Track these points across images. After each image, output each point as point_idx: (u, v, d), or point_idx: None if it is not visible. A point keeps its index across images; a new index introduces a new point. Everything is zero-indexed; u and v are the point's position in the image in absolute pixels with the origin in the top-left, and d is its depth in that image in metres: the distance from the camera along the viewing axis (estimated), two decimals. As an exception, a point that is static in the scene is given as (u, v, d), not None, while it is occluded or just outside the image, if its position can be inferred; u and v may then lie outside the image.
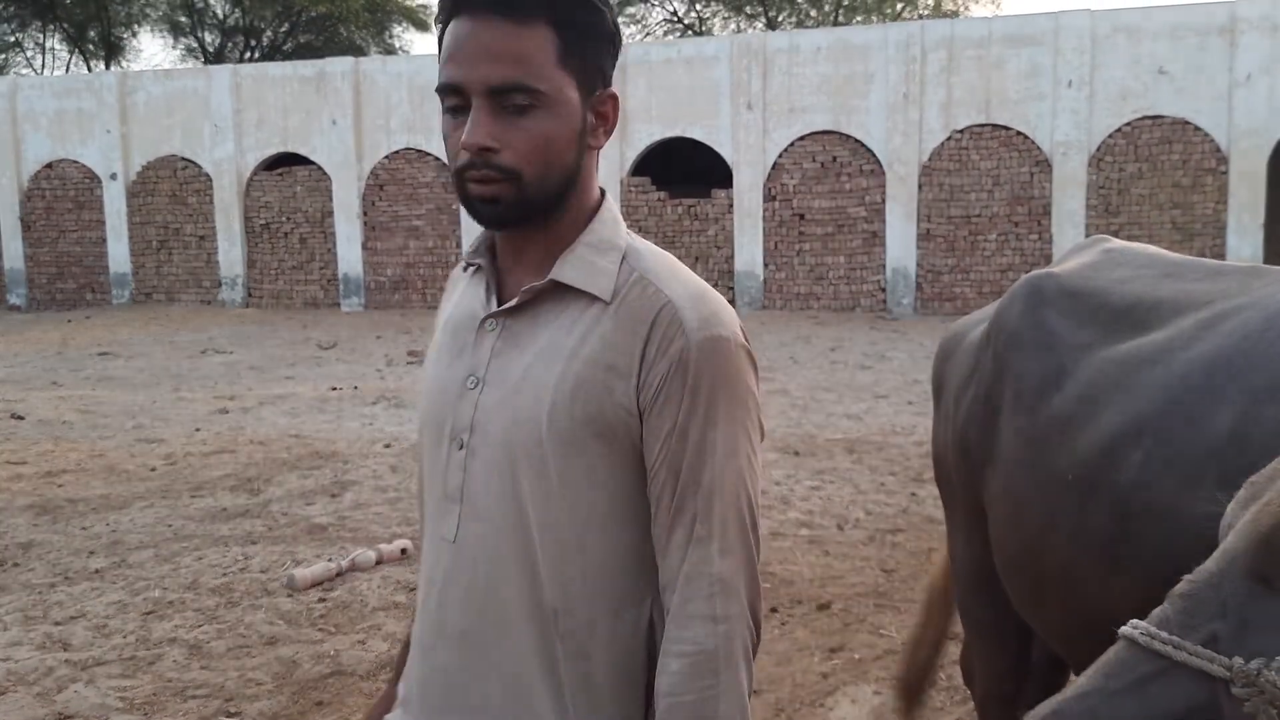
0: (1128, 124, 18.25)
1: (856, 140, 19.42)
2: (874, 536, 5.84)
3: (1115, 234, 17.36)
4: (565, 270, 1.25)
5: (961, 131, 18.98)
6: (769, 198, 19.70)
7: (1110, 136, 18.36)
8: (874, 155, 19.35)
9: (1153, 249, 2.58)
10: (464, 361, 1.29)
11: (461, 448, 1.26)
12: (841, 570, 5.26)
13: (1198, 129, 17.98)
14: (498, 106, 1.18)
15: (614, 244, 1.27)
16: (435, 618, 1.29)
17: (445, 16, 1.22)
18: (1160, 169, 18.21)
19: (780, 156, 19.59)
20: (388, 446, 8.36)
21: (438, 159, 21.08)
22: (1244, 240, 17.59)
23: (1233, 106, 17.70)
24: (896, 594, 4.88)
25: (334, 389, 11.51)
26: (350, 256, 21.51)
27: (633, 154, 20.19)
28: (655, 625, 1.25)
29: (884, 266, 19.50)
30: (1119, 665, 1.23)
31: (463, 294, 1.37)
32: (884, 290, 19.49)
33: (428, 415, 1.33)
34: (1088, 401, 2.11)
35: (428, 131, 21.03)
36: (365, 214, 21.45)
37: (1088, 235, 16.82)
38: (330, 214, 21.53)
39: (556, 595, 1.22)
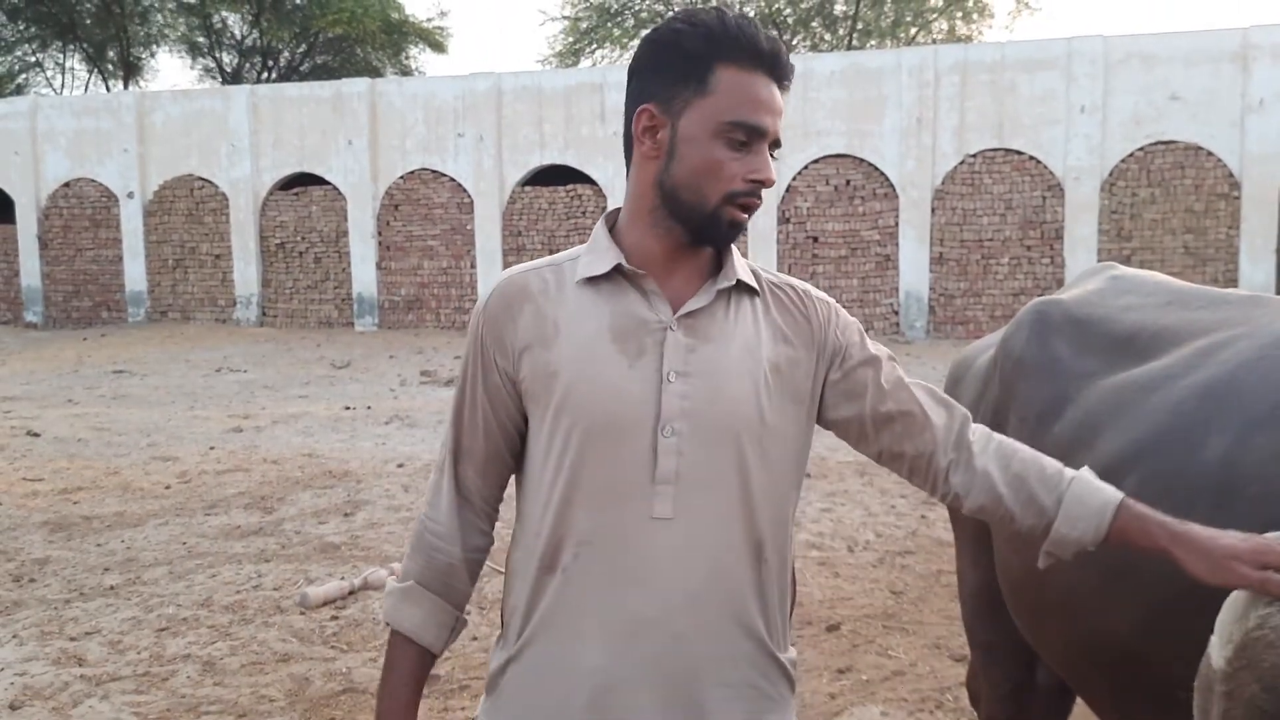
0: (1140, 149, 18.27)
1: (870, 164, 19.49)
2: (884, 559, 5.85)
3: (1127, 259, 17.38)
4: (736, 274, 1.51)
5: (974, 156, 19.03)
6: (783, 220, 19.77)
7: (1123, 161, 18.37)
8: (887, 179, 19.41)
9: (1159, 276, 2.61)
10: (650, 360, 1.45)
11: (671, 434, 1.43)
12: (851, 592, 5.27)
13: (1210, 154, 17.98)
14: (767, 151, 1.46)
15: (738, 255, 1.54)
16: (659, 591, 1.44)
17: (727, 57, 1.43)
18: (1173, 194, 18.20)
19: (794, 179, 19.66)
20: (400, 466, 8.40)
21: (453, 180, 21.22)
22: (1257, 266, 17.56)
23: (1245, 132, 17.71)
24: (905, 616, 4.89)
25: (347, 408, 11.58)
26: (364, 276, 21.64)
27: (646, 176, 20.25)
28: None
29: (897, 290, 19.52)
30: None
31: (597, 304, 1.48)
32: (897, 313, 19.50)
33: (607, 415, 1.44)
34: (1088, 428, 2.15)
35: (443, 152, 21.20)
36: (380, 234, 21.59)
37: (1100, 260, 16.84)
38: (345, 234, 21.67)
39: (767, 531, 1.50)
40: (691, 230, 1.46)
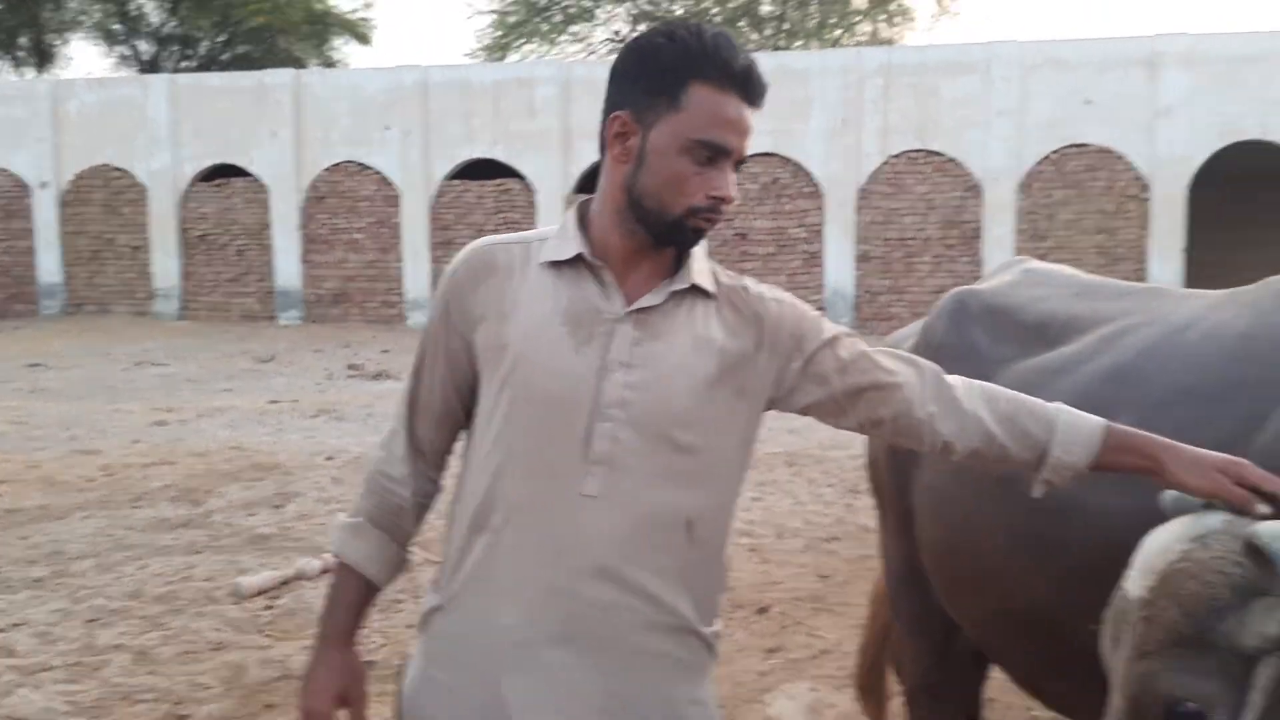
0: (1055, 152, 18.85)
1: (797, 163, 19.81)
2: (811, 545, 6.03)
3: (1043, 258, 17.84)
4: (694, 276, 1.58)
5: (897, 156, 19.45)
6: (710, 217, 19.94)
7: (1038, 163, 18.94)
8: (813, 178, 19.75)
9: (1068, 270, 2.80)
10: (596, 348, 1.54)
11: (607, 420, 1.52)
12: (780, 576, 5.43)
13: (1121, 157, 18.63)
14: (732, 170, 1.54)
15: (700, 255, 1.61)
16: (572, 560, 1.52)
17: (703, 74, 1.50)
18: (1086, 196, 18.82)
19: (722, 177, 19.84)
20: (330, 459, 8.38)
21: (379, 173, 21.05)
22: (1165, 266, 18.23)
23: (1154, 136, 18.38)
24: (832, 598, 5.06)
25: (273, 402, 11.47)
26: (288, 269, 21.36)
27: (576, 170, 20.38)
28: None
29: (823, 286, 19.87)
30: None
31: (556, 288, 1.57)
32: (824, 310, 19.76)
33: (547, 394, 1.54)
34: None
35: (369, 145, 21.02)
36: (304, 227, 21.34)
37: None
38: (268, 226, 21.38)
39: (700, 512, 1.57)
40: (653, 234, 1.55)
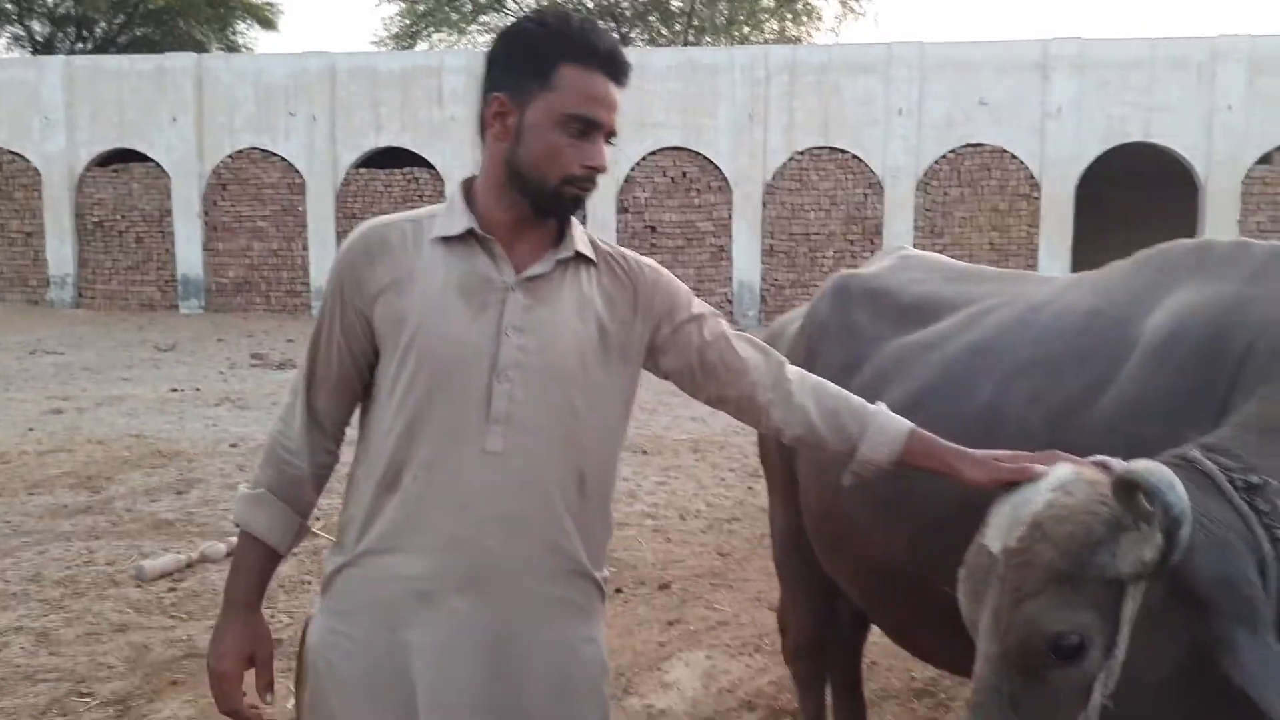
0: (952, 151, 19.46)
1: (705, 157, 20.08)
2: (713, 525, 6.23)
3: (939, 254, 18.47)
4: (578, 245, 1.73)
5: (802, 153, 19.85)
6: (621, 210, 20.14)
7: (936, 162, 19.54)
8: (721, 172, 20.04)
9: (942, 257, 3.04)
10: (491, 315, 1.67)
11: (505, 381, 1.65)
12: (682, 555, 5.61)
13: (1014, 157, 19.32)
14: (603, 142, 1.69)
15: (579, 226, 1.76)
16: (478, 512, 1.65)
17: (569, 56, 1.64)
18: (980, 194, 19.48)
19: (632, 170, 20.06)
20: (234, 446, 8.32)
21: (284, 160, 20.74)
22: (1054, 261, 18.96)
23: (1045, 137, 19.10)
24: (731, 574, 5.26)
25: (174, 390, 11.29)
26: (190, 257, 20.93)
27: (484, 162, 20.35)
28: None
29: (731, 280, 20.19)
30: None
31: (448, 261, 1.69)
32: (731, 302, 20.16)
33: (448, 359, 1.66)
34: (879, 381, 2.49)
35: (273, 132, 20.69)
36: (206, 214, 20.92)
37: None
38: (169, 213, 20.91)
39: (590, 466, 1.73)
40: (535, 205, 1.69)
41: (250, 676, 1.77)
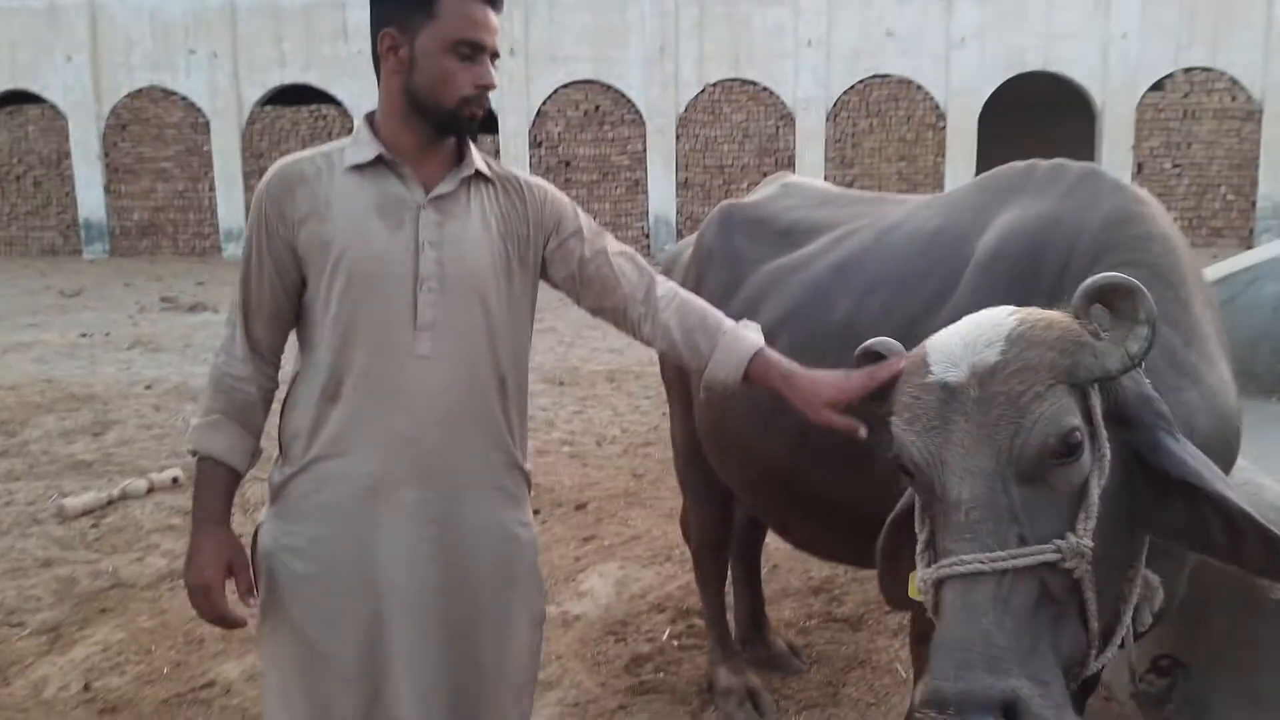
0: (860, 82, 19.75)
1: (618, 90, 20.06)
2: (628, 450, 6.46)
3: (849, 184, 18.84)
4: (477, 165, 1.91)
5: (714, 85, 19.95)
6: (535, 144, 20.08)
7: (845, 94, 19.81)
8: (634, 106, 20.05)
9: (819, 183, 3.26)
10: (407, 232, 1.85)
11: (428, 290, 1.83)
12: (598, 478, 5.84)
13: (920, 88, 19.67)
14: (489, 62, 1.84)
15: (474, 148, 1.94)
16: (418, 414, 1.84)
17: None
18: (888, 124, 19.83)
19: (545, 104, 19.97)
20: (149, 388, 8.30)
21: (185, 99, 20.23)
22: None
23: (949, 67, 19.47)
24: (644, 494, 5.50)
25: (84, 335, 11.14)
26: (91, 201, 20.38)
27: (394, 98, 20.12)
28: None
29: (647, 213, 20.32)
30: (977, 602, 1.43)
31: (363, 186, 1.85)
32: (648, 236, 20.31)
33: (373, 274, 1.83)
34: (755, 301, 2.72)
35: (173, 70, 20.13)
36: (107, 156, 20.35)
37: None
38: (68, 155, 20.32)
39: (507, 368, 1.94)
40: (435, 127, 1.86)
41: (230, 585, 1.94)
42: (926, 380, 1.60)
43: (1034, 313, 1.61)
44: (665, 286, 2.04)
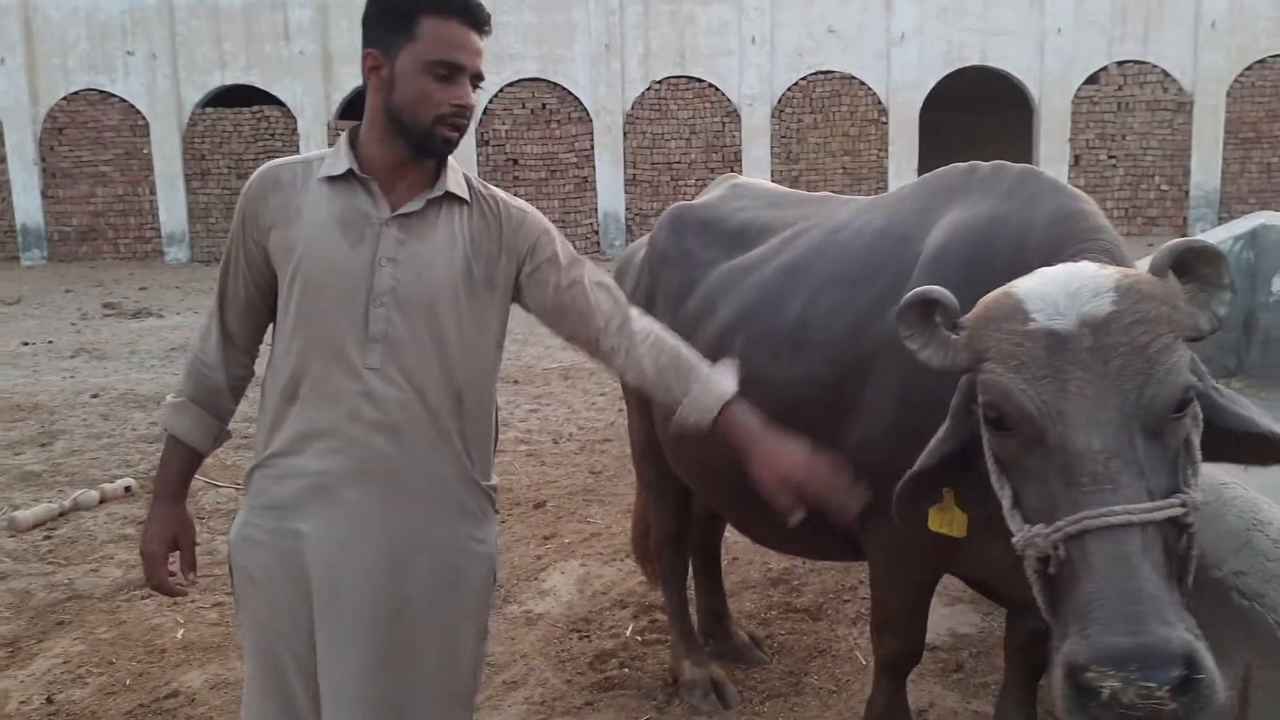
0: (803, 78, 19.94)
1: (564, 88, 20.07)
2: (585, 446, 6.52)
3: (795, 180, 19.05)
4: (449, 185, 1.94)
5: (660, 82, 20.03)
6: (482, 143, 20.03)
7: (789, 90, 19.99)
8: (581, 103, 20.08)
9: (767, 184, 3.35)
10: (367, 247, 1.89)
11: (380, 305, 1.87)
12: (555, 476, 5.88)
13: (862, 84, 19.91)
14: (469, 84, 1.87)
15: (457, 168, 1.99)
16: (364, 419, 1.87)
17: (429, 8, 1.84)
18: (832, 120, 20.05)
19: (491, 102, 19.92)
20: (95, 396, 8.20)
21: (124, 101, 19.91)
22: (902, 184, 19.63)
23: (890, 64, 19.73)
24: (603, 490, 5.56)
25: (25, 344, 10.96)
26: (29, 206, 19.99)
27: (339, 96, 19.94)
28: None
29: (596, 210, 20.35)
30: (1131, 554, 1.40)
31: (331, 198, 1.90)
32: (597, 233, 20.35)
33: (329, 285, 1.87)
34: (709, 303, 2.80)
35: (111, 72, 19.81)
36: (44, 160, 19.97)
37: (773, 181, 18.37)
38: (3, 160, 19.91)
39: (463, 385, 1.95)
40: (412, 145, 1.90)
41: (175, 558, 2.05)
42: (1029, 328, 1.55)
43: (1124, 269, 1.63)
44: (641, 322, 2.05)
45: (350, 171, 1.91)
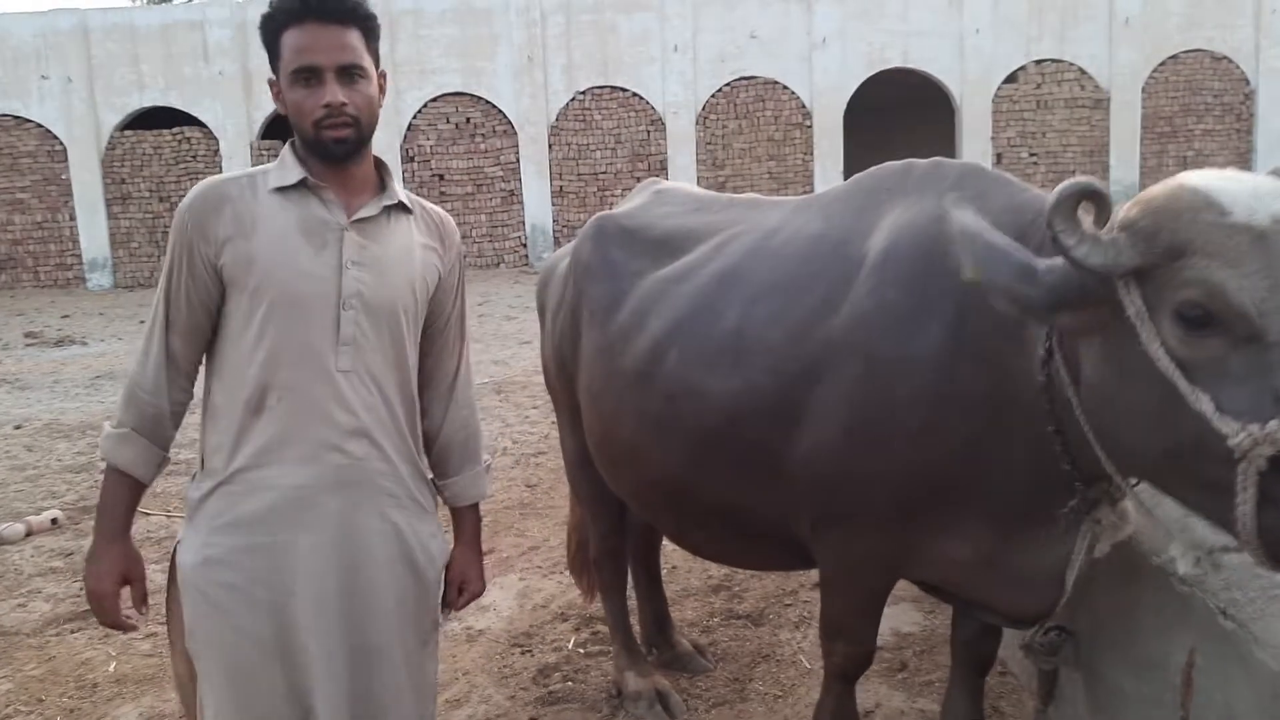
0: (727, 84, 20.10)
1: (488, 101, 20.00)
2: (520, 460, 6.49)
3: (722, 185, 19.18)
4: (397, 194, 2.00)
5: (584, 93, 20.06)
6: (407, 159, 19.88)
7: (713, 96, 20.14)
8: (505, 116, 20.03)
9: (690, 188, 3.29)
10: (331, 252, 1.92)
11: (350, 309, 1.91)
12: (492, 490, 5.80)
13: (786, 88, 20.13)
14: (343, 79, 1.87)
15: (397, 179, 2.05)
16: (339, 426, 1.91)
17: (283, 24, 1.87)
18: (756, 125, 20.23)
19: (415, 118, 19.79)
20: (18, 428, 7.99)
21: (40, 126, 19.45)
22: (828, 185, 19.86)
23: (813, 67, 19.97)
24: (539, 504, 5.54)
25: (-57, 378, 10.64)
26: (-58, 236, 19.40)
27: (261, 116, 19.67)
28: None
29: (523, 223, 20.29)
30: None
31: (286, 207, 1.92)
32: (525, 246, 20.29)
33: (299, 292, 1.89)
34: (640, 315, 2.72)
35: (25, 97, 19.35)
36: (-44, 189, 19.39)
37: (699, 187, 18.49)
38: (-87, 189, 19.28)
39: (409, 386, 2.03)
40: (316, 155, 1.93)
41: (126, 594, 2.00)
42: (1230, 222, 1.53)
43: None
44: (469, 393, 2.20)
45: (304, 180, 1.93)
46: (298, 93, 1.87)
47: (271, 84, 1.94)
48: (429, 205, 2.11)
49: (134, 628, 2.02)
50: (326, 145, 1.89)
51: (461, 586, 2.16)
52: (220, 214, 1.92)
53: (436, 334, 2.10)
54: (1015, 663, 3.05)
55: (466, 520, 2.19)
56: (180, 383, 1.98)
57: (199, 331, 1.96)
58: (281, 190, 1.93)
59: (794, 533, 2.45)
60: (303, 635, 1.89)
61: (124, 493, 1.97)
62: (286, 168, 1.95)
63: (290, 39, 1.87)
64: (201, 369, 2.02)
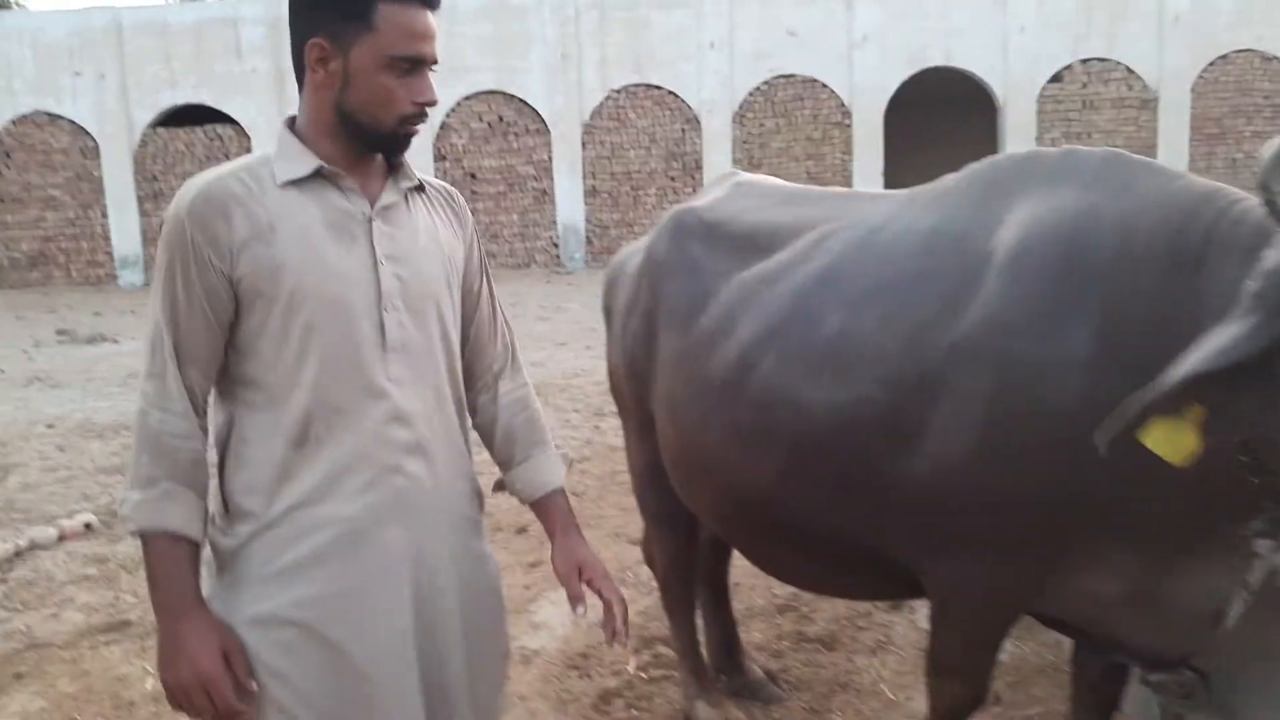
0: (764, 83, 19.84)
1: (521, 100, 19.85)
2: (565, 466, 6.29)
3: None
4: (414, 176, 1.78)
5: (618, 91, 19.86)
6: (439, 158, 19.76)
7: (750, 94, 19.88)
8: (539, 114, 19.87)
9: (772, 179, 3.03)
10: (363, 247, 1.67)
11: (392, 310, 1.68)
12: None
13: (825, 86, 19.85)
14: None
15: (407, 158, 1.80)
16: (394, 444, 1.68)
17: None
18: (795, 124, 19.96)
19: (448, 117, 19.66)
20: (50, 427, 7.87)
21: (73, 123, 19.47)
22: (868, 186, 19.65)
23: (852, 66, 19.68)
24: (587, 512, 5.32)
25: (-25, 375, 10.56)
26: (-25, 232, 19.45)
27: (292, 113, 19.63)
28: None
29: (555, 223, 20.13)
30: None
31: (304, 202, 1.65)
32: (557, 246, 20.13)
33: (338, 296, 1.64)
34: (728, 318, 2.51)
35: (59, 94, 19.36)
36: (-10, 185, 19.44)
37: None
38: (-52, 186, 19.34)
39: (457, 388, 1.82)
40: (370, 145, 1.68)
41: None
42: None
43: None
44: (521, 375, 1.99)
45: (319, 170, 1.66)
46: (391, 81, 1.61)
47: (318, 47, 1.62)
48: (434, 180, 1.88)
49: (245, 710, 1.62)
50: (400, 142, 1.69)
51: (587, 580, 1.93)
52: (230, 218, 1.60)
53: (468, 319, 1.89)
54: (1130, 701, 2.80)
55: (555, 508, 1.95)
56: (202, 421, 1.66)
57: (215, 361, 1.65)
58: (295, 183, 1.65)
59: (895, 558, 2.22)
60: (374, 689, 1.65)
61: (182, 555, 1.61)
62: (293, 156, 1.66)
63: (399, 15, 1.60)
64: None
